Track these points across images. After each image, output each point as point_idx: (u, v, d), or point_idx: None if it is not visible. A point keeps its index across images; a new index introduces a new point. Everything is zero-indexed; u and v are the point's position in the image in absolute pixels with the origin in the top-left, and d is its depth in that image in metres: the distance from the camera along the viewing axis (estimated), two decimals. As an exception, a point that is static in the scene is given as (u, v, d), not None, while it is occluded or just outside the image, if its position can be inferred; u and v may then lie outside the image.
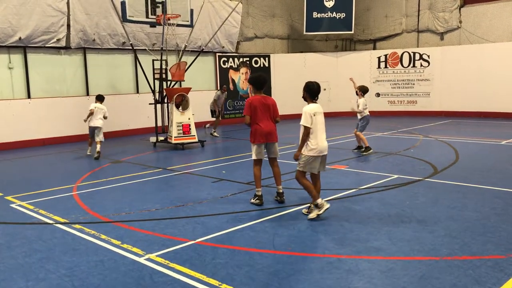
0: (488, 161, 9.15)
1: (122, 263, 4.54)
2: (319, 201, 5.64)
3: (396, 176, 7.93)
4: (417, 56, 18.53)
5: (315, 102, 5.74)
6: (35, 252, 4.93)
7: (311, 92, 5.69)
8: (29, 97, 13.09)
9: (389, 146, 11.23)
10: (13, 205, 6.83)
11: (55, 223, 5.89)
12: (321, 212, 5.63)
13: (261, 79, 6.43)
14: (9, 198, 7.25)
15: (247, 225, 5.56)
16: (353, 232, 5.23)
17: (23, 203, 6.92)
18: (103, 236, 5.29)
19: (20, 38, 12.53)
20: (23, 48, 12.88)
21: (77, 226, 5.73)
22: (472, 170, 8.30)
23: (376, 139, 12.88)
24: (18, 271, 4.44)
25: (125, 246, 4.95)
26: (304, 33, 19.69)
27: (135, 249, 4.84)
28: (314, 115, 5.58)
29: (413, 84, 18.60)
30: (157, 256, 4.64)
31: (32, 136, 12.97)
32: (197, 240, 5.07)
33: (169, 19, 12.11)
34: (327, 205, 5.67)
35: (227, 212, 6.13)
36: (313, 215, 5.65)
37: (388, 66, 19.17)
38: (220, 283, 3.98)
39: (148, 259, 4.57)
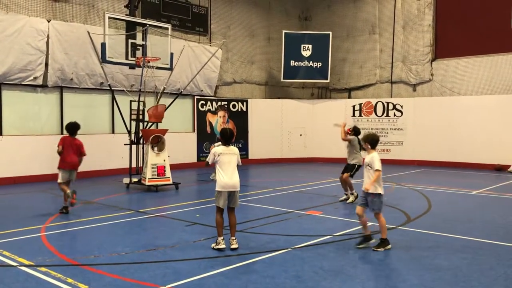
0: (458, 210, 9.30)
1: (88, 309, 4.35)
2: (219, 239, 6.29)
3: (369, 223, 7.93)
4: (391, 106, 19.06)
5: (228, 146, 6.46)
6: (-5, 296, 4.70)
7: (223, 138, 6.50)
8: (1, 134, 12.83)
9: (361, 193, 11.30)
10: (-24, 246, 6.55)
11: (19, 266, 5.65)
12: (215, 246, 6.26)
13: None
14: (-28, 238, 6.95)
15: (220, 271, 5.45)
16: (328, 280, 5.17)
17: (-13, 243, 6.64)
18: (69, 280, 5.09)
19: (-4, 75, 12.42)
20: (-1, 84, 12.75)
21: (43, 269, 5.50)
22: (444, 219, 8.40)
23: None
24: (-25, 317, 4.20)
25: (92, 291, 4.77)
26: (282, 80, 20.12)
27: (102, 295, 4.66)
28: (219, 155, 6.31)
29: (387, 133, 19.02)
30: (125, 302, 4.48)
31: (2, 174, 12.61)
32: (167, 286, 4.92)
33: (148, 62, 12.25)
34: (222, 245, 6.24)
35: (200, 258, 6.00)
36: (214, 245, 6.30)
37: (362, 114, 19.63)
38: (189, 331, 3.85)
39: (116, 306, 4.40)
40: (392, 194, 11.19)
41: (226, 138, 6.49)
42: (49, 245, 6.59)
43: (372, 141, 6.64)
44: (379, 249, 6.29)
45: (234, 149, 6.50)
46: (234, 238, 6.38)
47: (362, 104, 19.65)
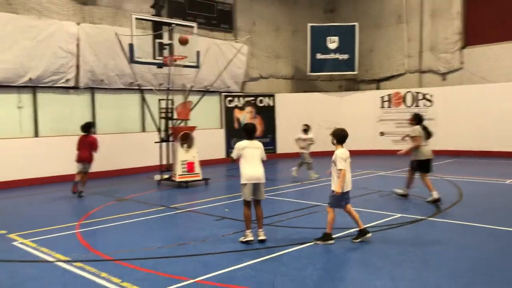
0: (491, 200, 9.12)
1: (121, 301, 4.53)
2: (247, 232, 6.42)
3: (399, 215, 7.90)
4: (420, 96, 18.73)
5: (251, 140, 6.57)
6: (35, 290, 4.93)
7: (246, 132, 6.64)
8: (36, 135, 13.30)
9: (392, 185, 11.20)
10: (15, 243, 6.85)
11: (56, 261, 5.90)
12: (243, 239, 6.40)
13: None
14: (12, 235, 7.27)
15: (248, 263, 5.54)
16: (355, 271, 5.20)
17: (25, 241, 6.94)
18: (103, 274, 5.28)
19: (30, 79, 12.86)
20: (33, 88, 13.19)
21: (78, 264, 5.73)
22: (476, 209, 8.26)
23: (380, 178, 12.89)
24: (17, 309, 4.43)
25: (125, 284, 4.95)
26: (308, 73, 20.04)
27: (135, 288, 4.83)
28: (243, 149, 6.43)
29: (417, 123, 18.68)
30: (157, 295, 4.63)
31: (39, 174, 13.08)
32: (198, 279, 5.05)
33: (175, 60, 12.44)
34: (250, 237, 6.36)
35: (229, 251, 6.12)
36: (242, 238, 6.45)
37: (391, 105, 19.37)
38: (218, 322, 3.96)
39: (148, 298, 4.56)
40: (423, 186, 11.04)
41: (249, 132, 6.62)
42: (83, 242, 6.84)
43: (338, 136, 6.46)
44: (318, 242, 6.24)
45: (257, 143, 6.59)
46: (261, 230, 6.47)
47: (391, 95, 19.38)
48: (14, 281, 5.22)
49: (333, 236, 6.42)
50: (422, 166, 8.95)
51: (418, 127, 8.92)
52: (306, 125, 12.90)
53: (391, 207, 8.65)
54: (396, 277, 4.96)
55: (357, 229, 6.37)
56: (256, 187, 6.44)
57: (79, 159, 10.78)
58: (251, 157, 6.45)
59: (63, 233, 7.35)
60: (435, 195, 8.64)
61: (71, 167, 13.48)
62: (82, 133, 10.93)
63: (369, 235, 6.31)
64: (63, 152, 13.47)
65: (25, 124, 13.19)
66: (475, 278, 4.87)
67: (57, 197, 11.30)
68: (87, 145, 10.73)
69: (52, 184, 13.04)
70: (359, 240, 6.29)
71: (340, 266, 5.39)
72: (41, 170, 13.12)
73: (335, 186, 6.31)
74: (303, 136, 12.63)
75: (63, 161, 13.49)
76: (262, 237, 6.40)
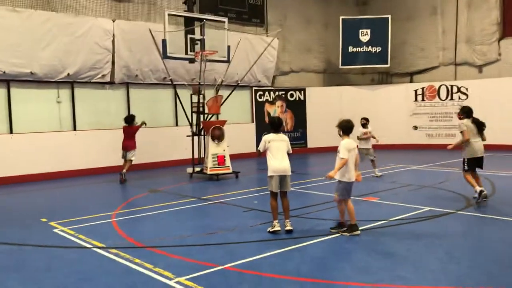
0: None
1: (153, 285, 4.78)
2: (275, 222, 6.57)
3: (428, 208, 7.88)
4: (455, 89, 18.37)
5: (277, 133, 6.73)
6: (73, 273, 5.24)
7: (272, 126, 6.81)
8: (75, 129, 13.84)
9: (423, 179, 11.14)
10: (55, 230, 7.24)
11: (93, 248, 6.22)
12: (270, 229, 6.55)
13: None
14: (52, 223, 7.68)
15: (274, 252, 5.71)
16: (379, 261, 5.28)
17: (65, 228, 7.33)
18: (136, 260, 5.55)
19: (68, 74, 13.37)
20: (71, 83, 13.72)
21: (113, 250, 6.03)
22: (506, 203, 8.14)
23: (412, 172, 12.78)
24: (57, 290, 4.75)
25: (157, 269, 5.19)
26: (340, 66, 19.95)
27: (166, 273, 5.07)
28: (269, 142, 6.60)
29: (451, 117, 18.33)
30: (186, 279, 4.85)
31: (77, 166, 13.62)
32: (225, 266, 5.25)
33: (207, 55, 12.68)
34: (277, 227, 6.50)
35: (256, 240, 6.30)
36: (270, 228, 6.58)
37: (425, 99, 19.07)
38: (243, 306, 4.14)
39: (178, 282, 4.79)
40: (455, 180, 10.91)
41: (275, 126, 6.79)
42: (119, 230, 7.16)
43: (344, 127, 6.45)
44: (344, 233, 6.28)
45: (283, 136, 6.75)
46: (288, 220, 6.62)
47: (424, 88, 19.09)
48: (55, 265, 5.56)
49: (362, 227, 6.50)
50: (469, 165, 8.26)
51: (466, 121, 8.29)
52: (364, 118, 12.10)
53: (420, 200, 8.62)
54: (419, 267, 5.02)
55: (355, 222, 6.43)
56: (282, 179, 6.59)
57: (124, 147, 12.15)
58: (277, 150, 6.61)
59: (99, 222, 7.71)
60: (478, 189, 8.09)
61: (107, 160, 14.07)
62: (125, 124, 12.27)
63: (358, 232, 6.35)
64: (99, 145, 14.01)
65: (64, 118, 13.74)
66: (497, 270, 4.88)
67: (94, 188, 11.78)
68: (130, 134, 12.17)
69: (89, 175, 13.56)
70: (347, 234, 6.31)
71: (365, 256, 5.48)
72: (79, 162, 13.65)
73: (340, 176, 6.35)
74: (362, 130, 11.86)
75: (100, 153, 14.03)
76: (289, 227, 6.56)
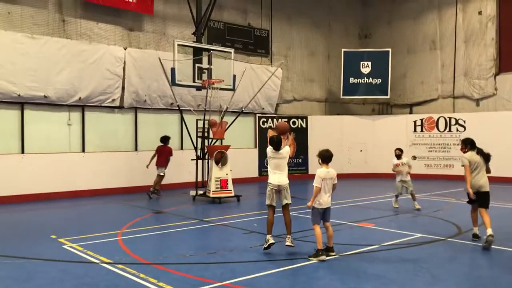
0: (515, 225, 9.30)
1: (157, 297, 5.16)
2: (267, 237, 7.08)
3: (420, 235, 8.25)
4: (453, 121, 18.86)
5: (277, 151, 7.25)
6: (82, 285, 5.63)
7: (271, 145, 7.27)
8: (83, 151, 14.34)
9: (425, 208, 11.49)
10: (65, 246, 7.64)
11: (101, 263, 6.61)
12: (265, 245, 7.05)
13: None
14: (61, 240, 8.07)
15: (271, 272, 6.08)
16: (369, 282, 5.64)
17: (73, 245, 7.72)
18: (142, 275, 5.94)
19: (80, 98, 13.95)
20: (82, 106, 14.29)
21: (120, 266, 6.42)
22: (499, 233, 8.48)
23: (409, 200, 13.13)
24: (69, 300, 5.13)
25: (160, 284, 5.58)
26: (341, 96, 20.53)
27: (168, 287, 5.45)
28: (269, 157, 7.23)
29: (450, 148, 18.80)
30: (188, 293, 5.24)
31: (85, 187, 14.06)
32: (224, 283, 5.63)
33: (213, 83, 13.26)
34: (271, 241, 6.99)
35: (254, 260, 6.68)
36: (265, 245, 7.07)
37: (424, 130, 19.55)
38: (240, 317, 4.52)
39: (180, 296, 5.17)
40: (450, 209, 11.28)
41: (273, 145, 7.28)
42: (124, 247, 7.55)
43: (322, 156, 6.94)
44: (310, 258, 6.59)
45: (283, 153, 7.24)
46: (289, 236, 7.06)
47: (423, 120, 19.58)
48: (64, 277, 5.95)
49: (353, 251, 6.87)
50: (472, 200, 7.70)
51: (470, 154, 7.71)
52: (398, 149, 11.75)
53: (413, 227, 8.99)
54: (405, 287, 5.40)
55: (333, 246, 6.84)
56: (280, 192, 7.14)
57: (158, 164, 13.59)
58: (274, 165, 7.22)
59: (106, 240, 8.10)
60: (474, 231, 7.83)
61: (115, 181, 14.54)
62: (161, 144, 13.77)
63: (333, 254, 6.71)
64: (107, 167, 14.48)
65: (74, 140, 14.25)
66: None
67: (101, 208, 12.18)
68: (164, 153, 13.68)
69: (96, 196, 13.97)
70: (314, 259, 6.58)
71: (356, 277, 5.84)
72: (87, 183, 14.08)
73: (312, 203, 6.79)
74: (396, 161, 11.51)
75: (107, 175, 14.48)
76: (289, 243, 6.99)
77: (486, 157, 7.79)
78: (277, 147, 7.23)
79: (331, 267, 6.32)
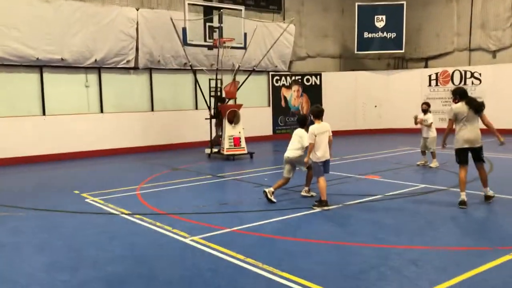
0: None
1: (171, 241, 5.67)
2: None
3: (423, 185, 8.58)
4: (468, 74, 18.70)
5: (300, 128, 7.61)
6: (104, 233, 6.18)
7: (314, 114, 7.34)
8: (101, 111, 14.84)
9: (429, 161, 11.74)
10: (87, 200, 8.21)
11: (120, 214, 7.15)
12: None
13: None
14: (84, 195, 8.64)
15: (276, 219, 6.53)
16: (367, 228, 6.05)
17: (95, 199, 8.29)
18: (158, 224, 6.45)
19: (95, 60, 14.32)
20: (98, 68, 14.68)
21: (138, 216, 6.94)
22: (499, 183, 8.74)
23: (418, 153, 13.36)
24: (90, 245, 5.68)
25: (175, 231, 6.08)
26: (355, 52, 20.43)
27: (182, 233, 5.95)
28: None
29: (464, 101, 18.71)
30: (199, 238, 5.72)
31: (103, 146, 14.64)
32: (233, 229, 6.10)
33: (224, 42, 13.43)
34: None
35: (262, 210, 7.13)
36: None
37: (439, 84, 19.45)
38: (245, 257, 4.98)
39: (192, 240, 5.66)
40: (454, 161, 11.47)
41: (300, 123, 7.81)
42: (142, 201, 8.08)
43: (314, 113, 7.28)
44: (315, 207, 6.97)
45: (300, 132, 7.58)
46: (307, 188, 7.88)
47: (438, 74, 19.45)
48: (87, 226, 6.51)
49: (356, 201, 7.26)
50: (460, 156, 7.16)
51: (456, 105, 7.09)
52: (424, 103, 11.31)
53: (418, 179, 9.31)
54: (400, 233, 5.78)
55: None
56: (292, 163, 7.66)
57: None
58: (291, 139, 7.71)
59: (126, 194, 8.65)
60: (463, 196, 6.97)
61: (132, 141, 15.09)
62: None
63: (327, 208, 6.96)
64: (124, 127, 15.01)
65: (92, 101, 14.74)
66: (468, 235, 5.60)
67: (119, 166, 12.76)
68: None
69: (114, 155, 14.55)
70: (318, 208, 6.97)
71: (355, 223, 6.25)
72: (106, 143, 14.66)
73: (313, 156, 7.16)
74: (420, 116, 11.04)
75: (125, 135, 15.03)
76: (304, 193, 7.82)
77: (477, 108, 6.92)
78: (302, 124, 7.67)
79: (333, 215, 6.73)
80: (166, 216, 6.92)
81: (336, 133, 19.35)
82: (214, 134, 14.17)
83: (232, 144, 13.07)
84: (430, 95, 19.71)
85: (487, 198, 7.19)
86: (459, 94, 7.19)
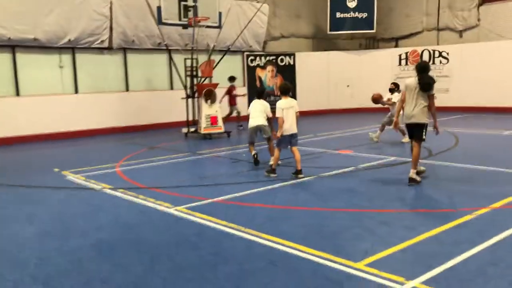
0: (479, 147, 10.13)
1: (156, 211, 5.91)
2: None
3: (393, 158, 9.02)
4: (437, 54, 19.29)
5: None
6: (89, 206, 6.37)
7: (282, 90, 7.79)
8: (76, 92, 14.77)
9: (399, 136, 12.25)
10: (68, 177, 8.33)
11: (103, 188, 7.32)
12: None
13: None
14: (64, 172, 8.74)
15: (255, 190, 6.84)
16: (338, 196, 6.42)
17: (76, 175, 8.41)
18: (141, 197, 6.67)
19: (69, 40, 14.18)
20: (72, 49, 14.55)
21: (121, 190, 7.14)
22: (461, 154, 9.29)
23: (392, 130, 13.87)
24: (78, 216, 5.88)
25: (158, 202, 6.32)
26: (328, 32, 20.75)
27: (166, 204, 6.19)
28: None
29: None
30: (183, 208, 5.98)
31: (79, 127, 14.60)
32: (215, 199, 6.38)
33: (199, 21, 13.50)
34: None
35: (241, 182, 7.43)
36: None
37: (408, 63, 20.00)
38: (227, 222, 5.27)
39: (176, 210, 5.92)
40: (427, 136, 11.98)
41: (258, 94, 8.75)
42: (124, 176, 8.26)
43: (281, 89, 7.80)
44: (266, 174, 7.69)
45: (264, 102, 8.54)
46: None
47: (408, 53, 19.98)
48: (71, 200, 6.68)
49: (330, 173, 7.63)
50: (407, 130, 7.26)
51: (410, 79, 7.01)
52: (392, 83, 11.89)
53: (390, 152, 9.74)
54: (372, 199, 6.18)
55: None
56: (256, 130, 8.33)
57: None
58: (254, 111, 8.44)
59: (106, 171, 8.78)
60: (418, 168, 7.09)
61: (108, 121, 15.09)
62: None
63: (302, 176, 7.46)
64: (100, 108, 14.98)
65: (66, 82, 14.63)
66: (432, 198, 6.06)
67: (96, 145, 12.82)
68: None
69: (92, 136, 14.55)
70: (294, 176, 7.49)
71: (329, 192, 6.62)
72: (82, 123, 14.61)
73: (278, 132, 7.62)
74: (388, 95, 11.59)
75: (101, 115, 15.01)
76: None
77: (422, 85, 6.74)
78: (260, 96, 8.64)
79: (307, 185, 7.10)
80: (148, 190, 7.13)
81: (310, 112, 19.95)
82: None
83: (209, 123, 13.27)
84: (400, 74, 20.25)
85: (411, 180, 6.82)
86: (416, 68, 7.01)
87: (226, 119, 14.63)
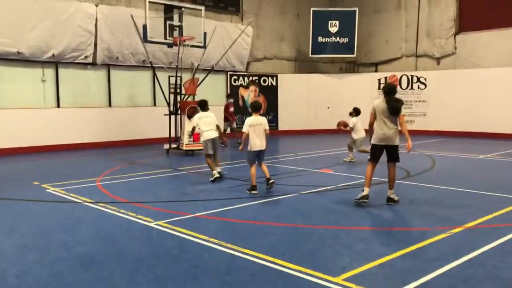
0: (455, 169, 10.40)
1: (137, 225, 5.95)
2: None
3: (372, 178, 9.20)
4: (415, 79, 19.84)
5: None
6: (70, 219, 6.36)
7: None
8: (58, 106, 14.71)
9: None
10: (48, 190, 8.29)
11: (84, 202, 7.32)
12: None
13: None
14: (44, 186, 8.70)
15: (237, 206, 6.93)
16: (318, 213, 6.55)
17: (56, 189, 8.37)
18: (122, 211, 6.69)
19: (53, 55, 14.20)
20: (55, 63, 14.55)
21: (101, 204, 7.14)
22: (439, 175, 9.55)
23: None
24: (60, 229, 5.87)
25: (139, 216, 6.35)
26: (310, 55, 21.19)
27: (147, 218, 6.23)
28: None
29: (411, 105, 19.86)
30: (164, 222, 6.02)
31: (59, 141, 14.51)
32: (196, 214, 6.44)
33: (184, 41, 13.70)
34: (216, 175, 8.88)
35: (223, 198, 7.50)
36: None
37: (388, 87, 20.47)
38: (208, 237, 5.34)
39: (157, 224, 5.96)
40: (403, 158, 12.27)
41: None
42: (104, 191, 8.26)
43: (252, 107, 8.11)
44: (247, 191, 7.76)
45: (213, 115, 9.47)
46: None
47: (387, 78, 20.50)
48: (53, 213, 6.65)
49: (310, 191, 7.77)
50: (372, 152, 7.34)
51: (378, 101, 7.25)
52: (354, 108, 12.21)
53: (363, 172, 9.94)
54: (349, 216, 6.32)
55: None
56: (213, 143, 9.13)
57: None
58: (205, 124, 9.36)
59: (86, 185, 8.77)
60: (366, 191, 7.01)
61: (90, 136, 15.04)
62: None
63: (271, 183, 7.81)
64: (82, 122, 14.94)
65: (48, 96, 14.58)
66: (404, 216, 6.25)
67: (79, 160, 12.75)
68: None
69: (70, 151, 14.46)
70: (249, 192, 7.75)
71: (309, 209, 6.74)
72: (63, 138, 14.54)
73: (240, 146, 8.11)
74: (345, 120, 12.18)
75: (82, 130, 14.96)
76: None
77: (391, 109, 6.83)
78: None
79: (289, 202, 7.23)
80: (129, 204, 7.15)
81: (291, 132, 20.17)
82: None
83: (192, 139, 13.34)
84: (379, 98, 20.70)
85: (389, 200, 6.98)
86: (383, 90, 7.18)
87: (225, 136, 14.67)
